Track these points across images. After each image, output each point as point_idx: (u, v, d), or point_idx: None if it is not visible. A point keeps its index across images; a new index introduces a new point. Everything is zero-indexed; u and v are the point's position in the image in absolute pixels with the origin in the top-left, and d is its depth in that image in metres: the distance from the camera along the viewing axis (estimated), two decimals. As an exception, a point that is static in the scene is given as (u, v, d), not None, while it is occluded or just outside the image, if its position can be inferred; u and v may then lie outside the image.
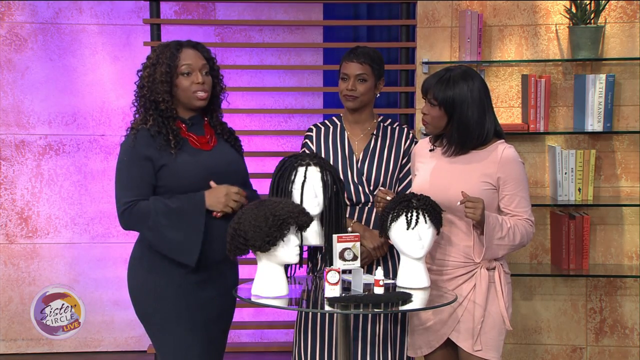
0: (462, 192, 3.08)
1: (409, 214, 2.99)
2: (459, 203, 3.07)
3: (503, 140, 3.21)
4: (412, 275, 3.03)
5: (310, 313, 3.46)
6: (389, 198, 3.11)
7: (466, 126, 3.12)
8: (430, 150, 3.28)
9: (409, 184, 3.55)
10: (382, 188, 3.38)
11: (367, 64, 3.49)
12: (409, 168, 3.55)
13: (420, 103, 4.60)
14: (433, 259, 3.23)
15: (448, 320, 3.22)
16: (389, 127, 3.61)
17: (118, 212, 3.11)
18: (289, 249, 2.87)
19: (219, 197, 3.09)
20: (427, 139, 3.33)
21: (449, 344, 3.26)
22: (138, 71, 3.21)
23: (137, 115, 3.20)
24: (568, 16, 4.44)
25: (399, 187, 3.56)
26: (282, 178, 3.15)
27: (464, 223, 3.16)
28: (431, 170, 3.23)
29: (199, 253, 3.06)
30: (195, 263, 3.07)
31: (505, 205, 3.17)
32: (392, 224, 3.02)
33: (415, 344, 3.33)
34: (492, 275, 3.20)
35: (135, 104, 3.21)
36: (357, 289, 2.95)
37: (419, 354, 3.34)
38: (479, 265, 3.18)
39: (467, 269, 3.18)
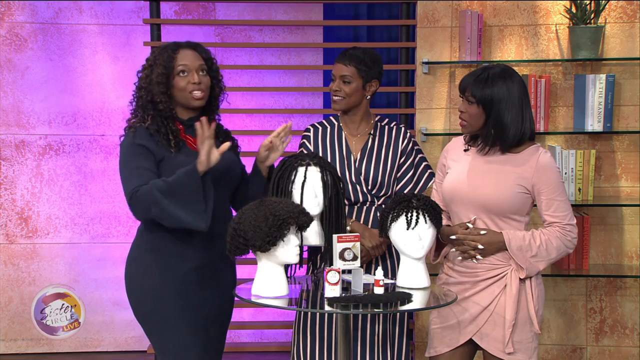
0: (471, 224, 3.14)
1: (409, 214, 2.99)
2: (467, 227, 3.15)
3: (539, 145, 3.18)
4: (412, 275, 3.02)
5: (310, 313, 3.46)
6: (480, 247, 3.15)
7: (503, 125, 3.09)
8: (465, 150, 3.26)
9: (407, 183, 3.56)
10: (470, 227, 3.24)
11: (352, 66, 3.48)
12: (407, 167, 3.56)
13: (420, 103, 4.61)
14: (462, 260, 3.20)
15: (473, 321, 3.18)
16: (387, 127, 3.62)
17: (128, 203, 3.08)
18: (289, 249, 2.87)
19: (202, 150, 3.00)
20: (461, 137, 3.31)
21: (467, 345, 3.23)
22: (138, 72, 3.23)
23: (133, 114, 3.21)
24: (568, 16, 4.44)
25: (397, 186, 3.56)
26: (282, 178, 3.16)
27: (494, 224, 3.15)
28: (466, 169, 3.20)
29: (209, 218, 2.99)
30: (207, 227, 3.00)
31: (544, 211, 3.15)
32: (392, 224, 3.01)
33: (429, 343, 3.30)
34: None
35: (133, 104, 3.22)
36: (357, 289, 2.95)
37: (432, 354, 3.30)
38: (510, 267, 3.15)
39: (498, 270, 3.16)
